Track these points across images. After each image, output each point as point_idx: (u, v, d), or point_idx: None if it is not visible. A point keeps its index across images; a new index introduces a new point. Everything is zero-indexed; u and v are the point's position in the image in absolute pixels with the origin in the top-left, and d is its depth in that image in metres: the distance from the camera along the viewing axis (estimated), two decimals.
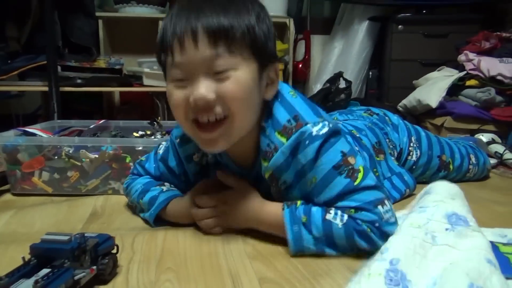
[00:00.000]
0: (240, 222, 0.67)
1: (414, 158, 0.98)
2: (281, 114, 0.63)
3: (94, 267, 0.49)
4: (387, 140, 0.94)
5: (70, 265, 0.47)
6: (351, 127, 0.87)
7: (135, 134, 1.12)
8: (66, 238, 0.48)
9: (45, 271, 0.46)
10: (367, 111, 1.03)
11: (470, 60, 1.67)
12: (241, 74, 0.57)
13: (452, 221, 0.52)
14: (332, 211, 0.60)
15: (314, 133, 0.60)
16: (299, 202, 0.63)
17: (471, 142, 1.17)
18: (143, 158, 0.83)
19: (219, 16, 0.56)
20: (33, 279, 0.44)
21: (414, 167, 0.99)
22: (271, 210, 0.64)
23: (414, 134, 1.00)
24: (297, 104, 0.64)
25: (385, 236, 0.55)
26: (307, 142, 0.60)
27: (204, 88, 0.56)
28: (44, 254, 0.48)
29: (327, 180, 0.60)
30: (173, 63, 0.58)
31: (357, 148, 0.76)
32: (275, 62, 0.64)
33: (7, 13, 1.60)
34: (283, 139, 0.62)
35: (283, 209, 0.62)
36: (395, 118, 1.02)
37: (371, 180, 0.61)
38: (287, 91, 0.66)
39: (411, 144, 0.98)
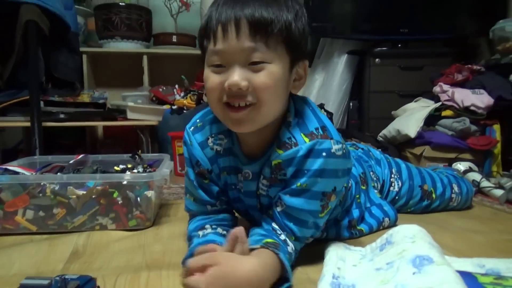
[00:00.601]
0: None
1: (396, 188, 1.02)
2: (311, 121, 0.68)
3: None
4: (371, 172, 0.99)
5: None
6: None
7: (116, 168, 1.12)
8: (46, 282, 0.47)
9: None
10: (353, 146, 1.09)
11: (444, 92, 1.74)
12: (273, 68, 0.62)
13: (416, 264, 0.55)
14: (284, 238, 0.66)
15: (332, 150, 0.65)
16: (277, 242, 0.64)
17: (455, 172, 1.22)
18: (186, 196, 0.81)
19: (262, 9, 0.60)
20: None
21: (397, 197, 1.02)
22: (268, 263, 0.60)
23: (395, 166, 1.04)
24: (326, 120, 0.69)
25: None
26: (323, 153, 0.64)
27: (239, 76, 0.60)
28: None
29: (312, 195, 0.66)
30: (214, 49, 0.62)
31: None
32: (305, 60, 0.69)
33: None
34: (306, 140, 0.66)
35: (277, 254, 0.61)
36: (377, 153, 1.07)
37: (323, 221, 0.71)
38: (316, 106, 0.72)
39: (392, 176, 1.03)
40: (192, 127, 0.77)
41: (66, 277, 0.51)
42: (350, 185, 0.86)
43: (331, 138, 0.66)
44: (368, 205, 0.92)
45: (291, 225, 0.68)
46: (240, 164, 0.74)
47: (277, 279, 0.61)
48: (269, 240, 0.64)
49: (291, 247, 0.66)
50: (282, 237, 0.67)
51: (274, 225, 0.69)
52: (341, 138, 0.68)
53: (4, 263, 0.75)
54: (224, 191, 0.78)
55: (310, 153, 0.65)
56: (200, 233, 0.73)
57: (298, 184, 0.66)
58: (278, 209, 0.69)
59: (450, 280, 0.50)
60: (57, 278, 0.49)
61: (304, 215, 0.67)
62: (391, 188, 1.02)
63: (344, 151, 0.67)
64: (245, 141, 0.73)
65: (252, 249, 0.61)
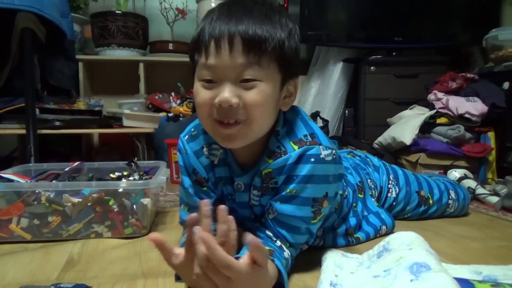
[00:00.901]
0: None
1: (393, 194, 1.03)
2: (299, 129, 0.69)
3: None
4: (369, 180, 0.99)
5: None
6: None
7: (112, 175, 1.11)
8: None
9: None
10: (350, 153, 1.09)
11: (439, 99, 1.75)
12: (264, 86, 0.61)
13: (414, 271, 0.55)
14: (279, 244, 0.67)
15: (321, 155, 0.65)
16: (272, 249, 0.64)
17: (451, 179, 1.23)
18: (181, 207, 0.81)
19: (256, 27, 0.59)
20: None
21: (394, 203, 1.03)
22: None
23: (392, 172, 1.05)
24: (315, 128, 0.70)
25: None
26: (312, 159, 0.65)
27: (230, 93, 0.60)
28: None
29: (302, 201, 0.66)
30: (206, 64, 0.61)
31: (345, 184, 0.85)
32: (296, 77, 0.68)
33: None
34: (295, 147, 0.66)
35: (272, 260, 0.61)
36: (375, 160, 1.08)
37: (316, 227, 0.71)
38: (306, 115, 0.72)
39: (390, 182, 1.03)
40: (187, 136, 0.77)
41: (61, 285, 0.50)
42: (347, 193, 0.86)
43: (320, 144, 0.66)
44: (365, 213, 0.92)
45: (283, 232, 0.68)
46: (234, 175, 0.74)
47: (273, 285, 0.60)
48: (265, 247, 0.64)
49: (287, 252, 0.67)
50: (278, 243, 0.67)
51: (268, 232, 0.69)
52: (330, 144, 0.68)
53: None
54: (221, 200, 0.78)
55: (300, 159, 0.65)
56: None
57: (288, 190, 0.66)
58: (270, 216, 0.69)
59: (447, 287, 0.50)
60: (52, 286, 0.48)
61: (295, 222, 0.67)
62: (389, 194, 1.02)
63: (334, 156, 0.67)
64: (237, 152, 0.73)
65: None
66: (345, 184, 0.86)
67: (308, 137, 0.67)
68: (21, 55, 1.55)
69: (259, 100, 0.61)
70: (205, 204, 0.55)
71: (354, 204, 0.89)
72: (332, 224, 0.83)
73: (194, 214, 0.54)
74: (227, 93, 0.60)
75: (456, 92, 1.76)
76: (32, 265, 0.77)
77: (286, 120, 0.70)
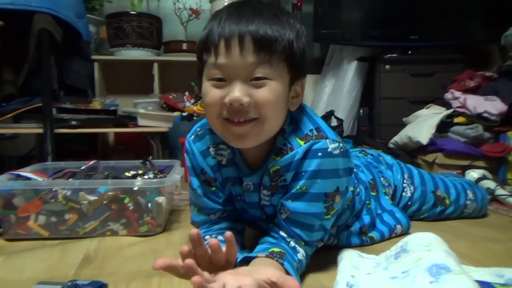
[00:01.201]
0: None
1: (408, 194, 1.01)
2: (305, 124, 0.68)
3: None
4: (382, 178, 0.97)
5: None
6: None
7: (127, 174, 1.12)
8: (58, 287, 0.47)
9: None
10: (362, 152, 1.07)
11: (456, 98, 1.72)
12: (275, 84, 0.61)
13: (433, 272, 0.54)
14: (293, 245, 0.66)
15: (329, 149, 0.64)
16: (283, 252, 0.63)
17: (468, 180, 1.20)
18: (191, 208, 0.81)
19: (266, 27, 0.60)
20: None
21: (409, 202, 1.01)
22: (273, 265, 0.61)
23: (407, 171, 1.03)
24: (320, 122, 0.70)
25: None
26: (319, 153, 0.64)
27: (241, 92, 0.60)
28: None
29: (313, 197, 0.66)
30: (215, 63, 0.61)
31: (356, 181, 0.84)
32: (304, 78, 0.68)
33: (5, 57, 1.63)
34: (301, 143, 0.66)
35: (281, 264, 0.60)
36: (389, 158, 1.06)
37: (330, 223, 0.70)
38: (311, 110, 0.72)
39: (405, 181, 1.01)
40: (193, 136, 0.76)
41: (78, 282, 0.51)
42: (358, 190, 0.85)
43: (326, 138, 0.66)
44: (379, 211, 0.90)
45: (297, 231, 0.67)
46: (242, 175, 0.73)
47: None
48: (276, 249, 0.63)
49: (301, 253, 0.66)
50: (292, 244, 0.66)
51: (282, 233, 0.68)
52: (337, 137, 0.68)
53: (17, 268, 0.75)
54: (230, 200, 0.78)
55: (307, 154, 0.65)
56: None
57: (298, 187, 0.66)
58: (283, 216, 0.68)
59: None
60: (69, 283, 0.49)
61: (309, 219, 0.67)
62: (404, 194, 1.01)
63: (341, 149, 0.66)
64: (246, 152, 0.72)
65: (257, 257, 0.61)
66: (356, 181, 0.85)
67: (314, 131, 0.67)
68: (39, 56, 1.57)
69: (270, 98, 0.61)
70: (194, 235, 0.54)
71: (368, 201, 0.88)
72: (345, 222, 0.82)
73: (186, 247, 0.53)
74: (237, 92, 0.59)
75: (474, 91, 1.72)
76: (50, 262, 0.78)
77: (292, 118, 0.70)
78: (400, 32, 2.21)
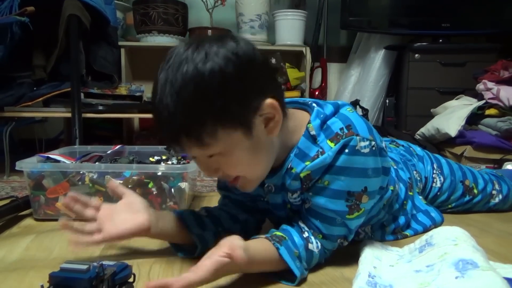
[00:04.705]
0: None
1: (438, 184, 0.98)
2: (335, 124, 0.64)
3: None
4: (415, 171, 0.95)
5: None
6: (389, 159, 0.87)
7: (151, 159, 1.14)
8: (84, 267, 0.49)
9: None
10: (393, 142, 1.04)
11: (489, 89, 1.65)
12: (230, 151, 0.59)
13: (459, 268, 0.52)
14: (307, 235, 0.65)
15: (357, 147, 0.62)
16: (284, 236, 0.64)
17: (494, 172, 1.16)
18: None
19: (180, 133, 0.57)
20: None
21: (439, 193, 0.99)
22: (265, 248, 0.62)
23: (436, 161, 1.01)
24: (353, 118, 0.65)
25: None
26: (346, 150, 0.62)
27: (208, 171, 0.63)
28: (63, 283, 0.48)
29: (334, 193, 0.63)
30: None
31: (396, 179, 0.81)
32: (262, 103, 0.59)
33: (35, 43, 1.67)
34: (332, 144, 0.63)
35: (277, 248, 0.61)
36: (419, 150, 1.03)
37: (355, 223, 0.67)
38: (344, 108, 0.67)
39: (434, 171, 0.99)
40: None
41: (104, 263, 0.52)
42: (398, 189, 0.82)
43: (357, 134, 0.62)
44: (414, 212, 0.89)
45: (317, 222, 0.66)
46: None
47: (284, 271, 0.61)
48: (279, 233, 0.64)
49: (314, 245, 0.65)
50: (305, 234, 0.65)
51: (300, 223, 0.67)
52: (369, 135, 0.64)
53: (45, 247, 0.78)
54: (254, 201, 0.77)
55: (339, 153, 0.62)
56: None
57: (320, 181, 0.64)
58: (306, 206, 0.67)
59: (496, 287, 0.47)
60: (95, 264, 0.50)
61: (330, 214, 0.65)
62: (433, 185, 0.98)
63: (373, 148, 0.63)
64: None
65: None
66: (396, 179, 0.82)
67: (345, 129, 0.63)
68: (67, 42, 1.61)
69: (234, 165, 0.61)
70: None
71: (405, 202, 0.85)
72: (381, 222, 0.80)
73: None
74: (205, 171, 0.63)
75: (508, 82, 1.65)
76: None
77: (322, 122, 0.65)
78: (431, 19, 2.13)
